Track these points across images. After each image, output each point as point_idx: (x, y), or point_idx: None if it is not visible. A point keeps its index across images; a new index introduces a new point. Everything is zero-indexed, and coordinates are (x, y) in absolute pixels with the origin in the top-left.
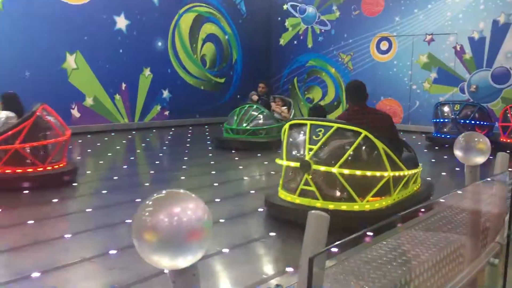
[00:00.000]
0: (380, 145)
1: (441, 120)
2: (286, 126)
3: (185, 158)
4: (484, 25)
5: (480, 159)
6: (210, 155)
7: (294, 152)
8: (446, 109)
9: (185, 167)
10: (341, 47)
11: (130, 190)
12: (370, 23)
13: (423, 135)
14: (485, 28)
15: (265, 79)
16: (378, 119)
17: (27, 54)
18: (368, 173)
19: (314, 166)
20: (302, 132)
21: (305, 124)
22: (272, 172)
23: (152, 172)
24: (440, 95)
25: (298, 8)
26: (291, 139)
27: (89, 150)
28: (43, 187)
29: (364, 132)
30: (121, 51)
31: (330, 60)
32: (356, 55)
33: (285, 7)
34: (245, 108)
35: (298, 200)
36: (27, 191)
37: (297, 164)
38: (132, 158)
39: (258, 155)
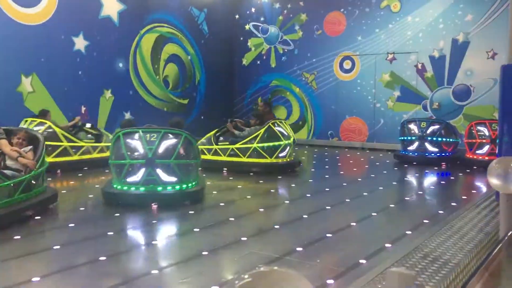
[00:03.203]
0: None
1: (409, 138)
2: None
3: None
4: (444, 44)
5: None
6: None
7: None
8: (412, 126)
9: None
10: (304, 67)
11: None
12: (333, 42)
13: (389, 152)
14: (445, 46)
15: (229, 99)
16: None
17: None
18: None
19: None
20: None
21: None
22: None
23: None
24: (404, 113)
25: (260, 28)
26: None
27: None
28: None
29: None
30: (80, 72)
31: (294, 79)
32: (319, 74)
33: (247, 27)
34: None
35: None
36: None
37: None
38: None
39: None
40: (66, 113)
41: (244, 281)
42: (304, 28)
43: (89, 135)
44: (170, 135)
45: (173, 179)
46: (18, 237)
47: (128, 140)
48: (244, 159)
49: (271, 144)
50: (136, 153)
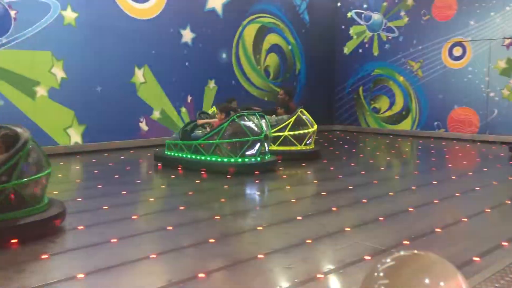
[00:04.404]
0: None
1: None
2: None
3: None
4: None
5: None
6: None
7: None
8: None
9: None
10: (409, 54)
11: None
12: (441, 28)
13: (504, 145)
14: None
15: (329, 88)
16: None
17: (99, 70)
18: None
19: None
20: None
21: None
22: None
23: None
24: None
25: (363, 15)
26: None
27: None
28: None
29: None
30: (187, 64)
31: (398, 68)
32: (426, 62)
33: (349, 15)
34: None
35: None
36: None
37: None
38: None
39: None
40: (174, 102)
41: (386, 265)
42: (410, 14)
43: None
44: (260, 116)
45: (267, 149)
46: (136, 216)
47: (242, 122)
48: (275, 147)
49: (301, 131)
50: (253, 131)
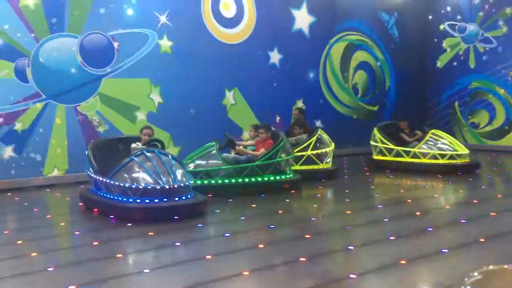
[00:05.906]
0: None
1: None
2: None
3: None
4: None
5: None
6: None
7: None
8: None
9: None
10: (510, 65)
11: None
12: None
13: None
14: None
15: (421, 104)
16: None
17: (192, 93)
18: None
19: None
20: None
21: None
22: None
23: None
24: None
25: (457, 27)
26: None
27: None
28: None
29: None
30: (275, 84)
31: (498, 80)
32: None
33: (441, 27)
34: None
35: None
36: None
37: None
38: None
39: None
40: (263, 122)
41: (473, 279)
42: (510, 23)
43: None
44: None
45: None
46: (228, 234)
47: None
48: (297, 167)
49: (323, 150)
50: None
